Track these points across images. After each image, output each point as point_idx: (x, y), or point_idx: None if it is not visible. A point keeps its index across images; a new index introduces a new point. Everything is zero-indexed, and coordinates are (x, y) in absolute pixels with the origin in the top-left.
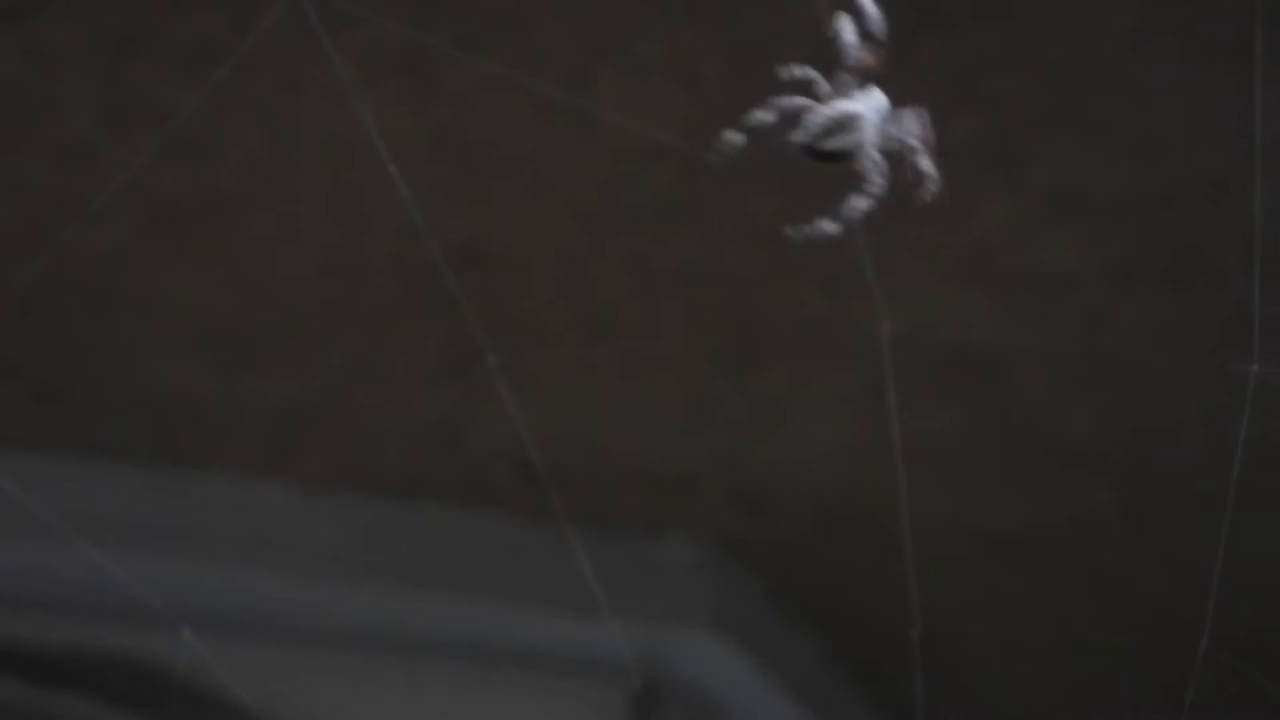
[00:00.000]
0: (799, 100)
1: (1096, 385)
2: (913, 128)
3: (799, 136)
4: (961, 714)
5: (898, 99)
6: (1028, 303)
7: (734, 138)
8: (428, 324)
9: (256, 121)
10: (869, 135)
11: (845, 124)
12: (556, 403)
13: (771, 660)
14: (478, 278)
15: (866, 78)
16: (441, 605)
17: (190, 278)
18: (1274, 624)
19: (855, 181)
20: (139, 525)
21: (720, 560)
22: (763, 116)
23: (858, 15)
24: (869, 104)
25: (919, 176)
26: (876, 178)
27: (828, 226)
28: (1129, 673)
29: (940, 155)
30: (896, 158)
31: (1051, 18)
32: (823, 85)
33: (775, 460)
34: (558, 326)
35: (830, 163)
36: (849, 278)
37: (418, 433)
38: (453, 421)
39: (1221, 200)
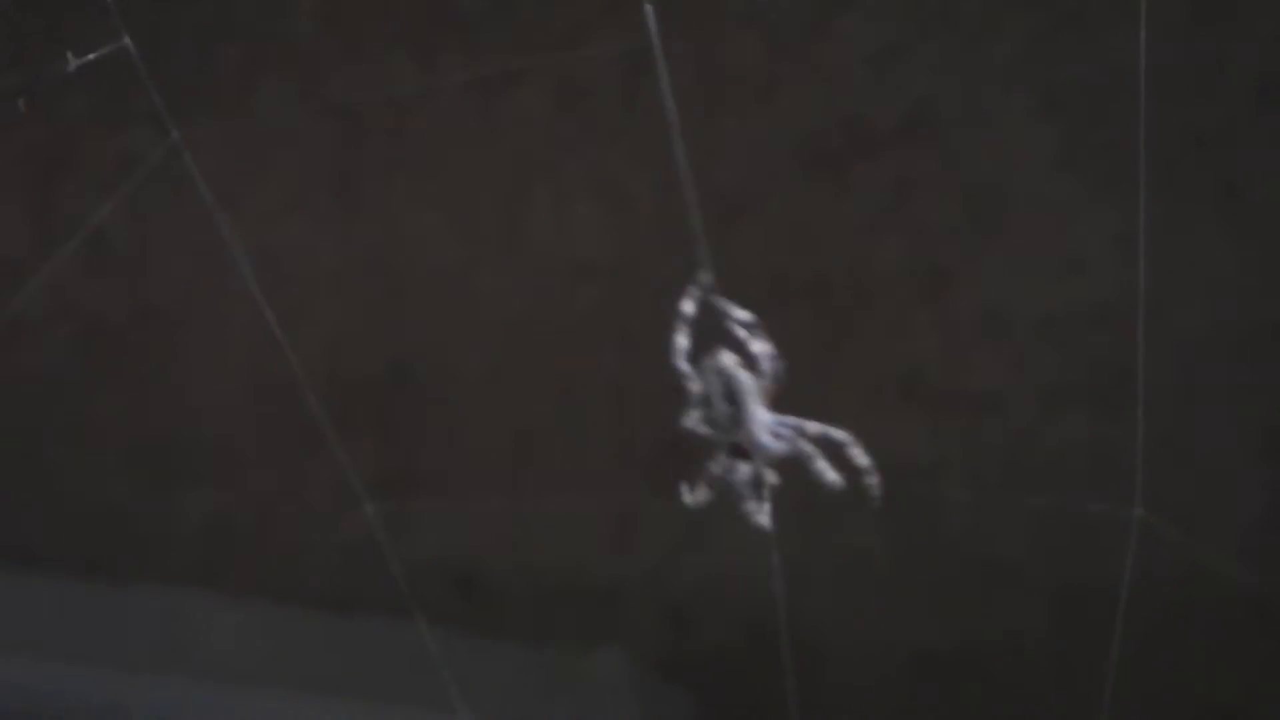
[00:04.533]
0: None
1: (1023, 506)
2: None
3: (713, 359)
4: None
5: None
6: (957, 423)
7: (698, 496)
8: (357, 440)
9: (186, 241)
10: (735, 431)
11: (736, 402)
12: (485, 517)
13: None
14: (406, 395)
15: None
16: (369, 715)
17: (120, 395)
18: None
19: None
20: (66, 635)
21: (648, 675)
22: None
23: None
24: (764, 433)
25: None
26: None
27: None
28: None
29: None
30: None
31: (975, 141)
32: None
33: (703, 577)
34: (487, 442)
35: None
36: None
37: (348, 546)
38: (379, 534)
39: (1150, 321)
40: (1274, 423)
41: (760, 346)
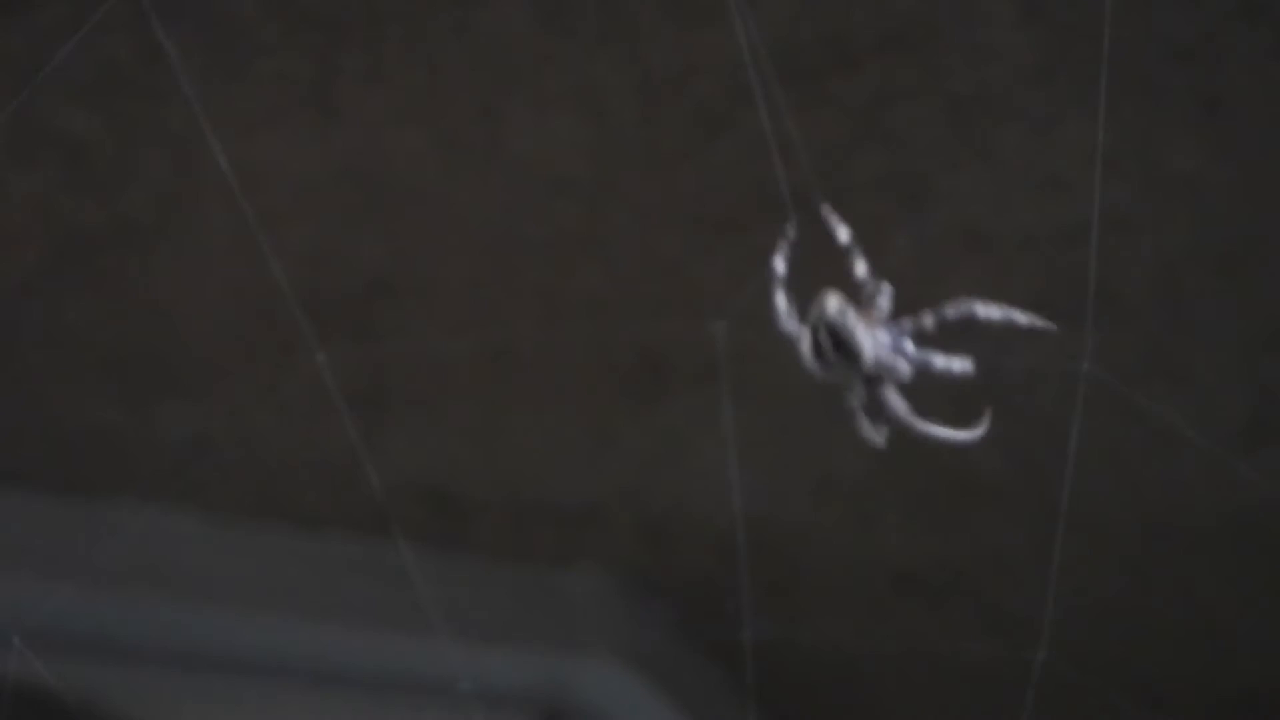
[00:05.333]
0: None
1: (1002, 421)
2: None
3: (816, 313)
4: None
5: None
6: (935, 340)
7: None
8: (335, 355)
9: (164, 152)
10: (855, 371)
11: (847, 346)
12: (462, 435)
13: (677, 690)
14: (385, 308)
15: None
16: (347, 634)
17: (97, 308)
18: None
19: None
20: (42, 551)
21: (626, 591)
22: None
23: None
24: (885, 356)
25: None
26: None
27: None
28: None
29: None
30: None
31: (955, 54)
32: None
33: (680, 493)
34: (464, 358)
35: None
36: (757, 313)
37: (324, 463)
38: (359, 452)
39: (1126, 235)
40: (1253, 337)
41: (861, 270)
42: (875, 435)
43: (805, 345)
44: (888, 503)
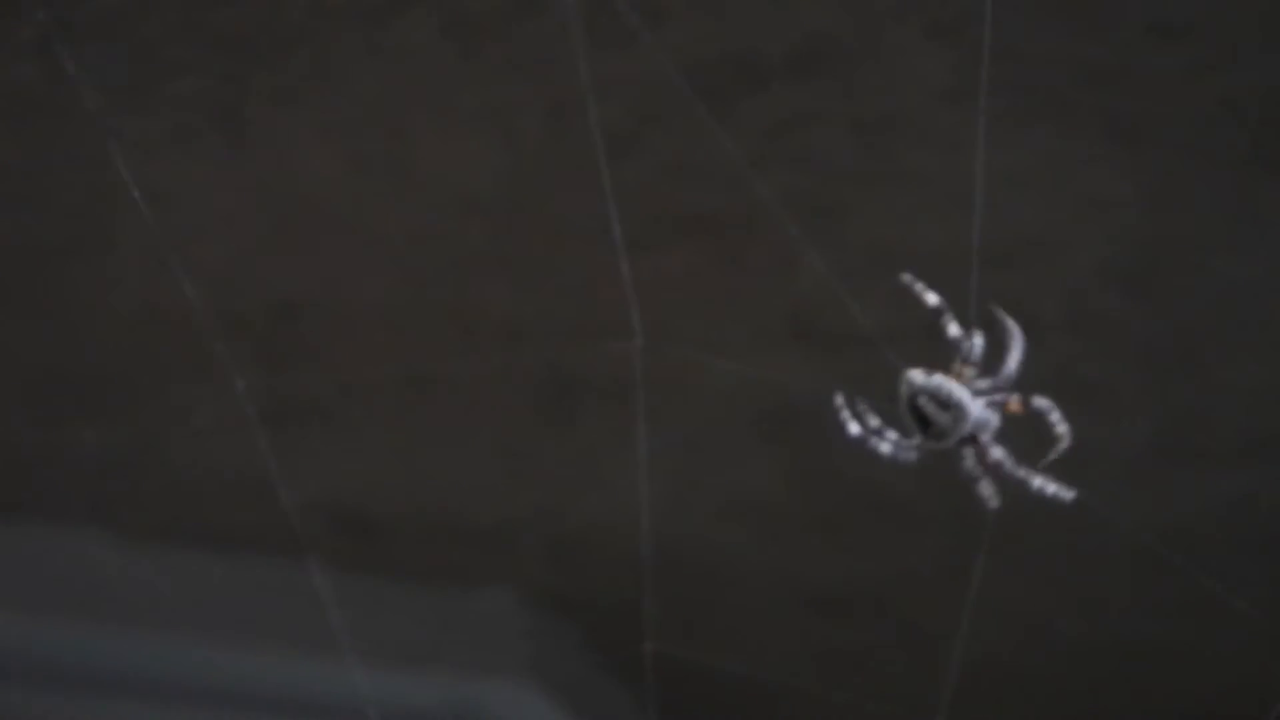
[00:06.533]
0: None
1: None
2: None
3: (915, 381)
4: None
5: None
6: (846, 359)
7: (992, 499)
8: (247, 375)
9: (76, 173)
10: (960, 429)
11: (953, 409)
12: (374, 455)
13: (587, 711)
14: (298, 328)
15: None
16: (257, 656)
17: (9, 328)
18: None
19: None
20: None
21: (537, 612)
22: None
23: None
24: (983, 413)
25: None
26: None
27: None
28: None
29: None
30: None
31: (867, 75)
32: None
33: (592, 513)
34: (377, 378)
35: (919, 422)
36: (670, 334)
37: (236, 483)
38: (270, 472)
39: (1039, 255)
40: (1164, 357)
41: (954, 330)
42: (995, 495)
43: (906, 422)
44: (799, 523)
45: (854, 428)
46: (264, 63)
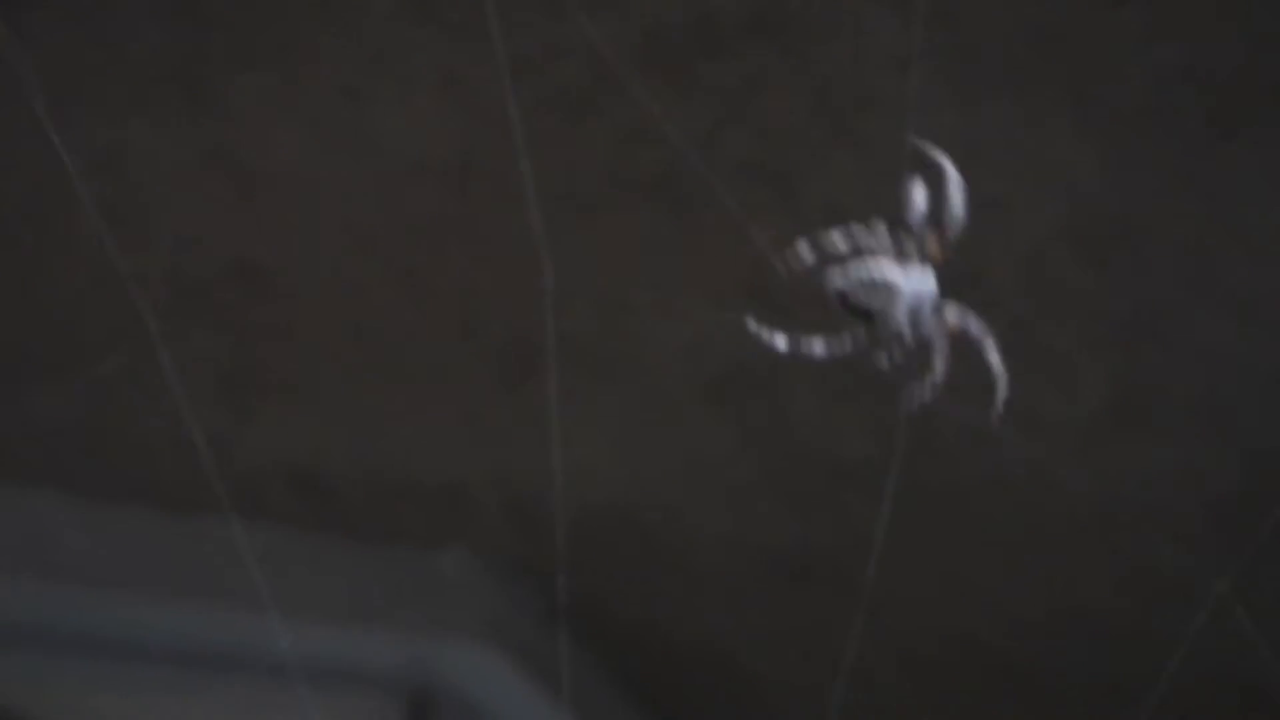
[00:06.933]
0: (845, 247)
1: (869, 402)
2: (967, 323)
3: (837, 281)
4: (726, 718)
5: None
6: (802, 321)
7: (804, 252)
8: (202, 338)
9: (30, 135)
10: (900, 309)
11: (881, 290)
12: (329, 417)
13: (543, 670)
14: (252, 290)
15: (926, 259)
16: (214, 615)
17: None
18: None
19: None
20: None
21: (492, 572)
22: (836, 243)
23: (940, 198)
24: (915, 283)
25: (989, 371)
26: (887, 351)
27: (778, 340)
28: (905, 691)
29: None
30: (925, 343)
31: (822, 42)
32: (882, 239)
33: (548, 473)
34: (332, 342)
35: (855, 315)
36: (623, 294)
37: (189, 444)
38: (227, 434)
39: (996, 220)
40: (1117, 321)
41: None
42: (924, 394)
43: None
44: (756, 485)
45: (780, 340)
46: (221, 27)
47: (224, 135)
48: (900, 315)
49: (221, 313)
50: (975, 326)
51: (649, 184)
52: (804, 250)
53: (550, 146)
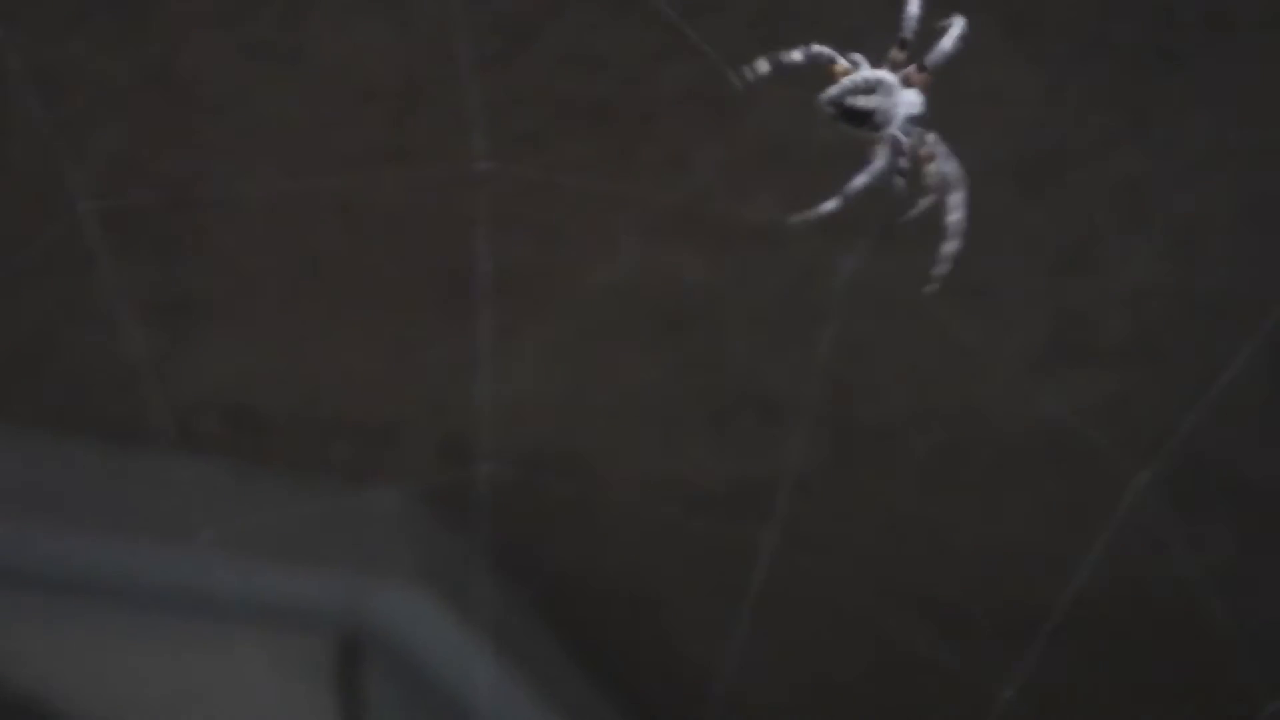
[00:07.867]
0: (832, 54)
1: (802, 340)
2: (947, 166)
3: (829, 91)
4: (658, 662)
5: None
6: (737, 255)
7: (762, 66)
8: (134, 265)
9: None
10: (898, 109)
11: (876, 87)
12: (264, 348)
13: (475, 612)
14: (188, 219)
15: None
16: (141, 551)
17: None
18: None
19: (865, 154)
20: None
21: (424, 510)
22: (794, 57)
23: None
24: (904, 94)
25: (942, 182)
26: (883, 159)
27: (828, 205)
28: (837, 630)
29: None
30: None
31: None
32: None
33: (481, 410)
34: (268, 271)
35: (854, 125)
36: (562, 227)
37: (124, 375)
38: (157, 365)
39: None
40: (1054, 256)
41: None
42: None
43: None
44: (687, 423)
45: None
46: None
47: (157, 58)
48: (898, 112)
49: (157, 241)
50: (954, 169)
51: (591, 113)
52: (761, 65)
53: (492, 75)
